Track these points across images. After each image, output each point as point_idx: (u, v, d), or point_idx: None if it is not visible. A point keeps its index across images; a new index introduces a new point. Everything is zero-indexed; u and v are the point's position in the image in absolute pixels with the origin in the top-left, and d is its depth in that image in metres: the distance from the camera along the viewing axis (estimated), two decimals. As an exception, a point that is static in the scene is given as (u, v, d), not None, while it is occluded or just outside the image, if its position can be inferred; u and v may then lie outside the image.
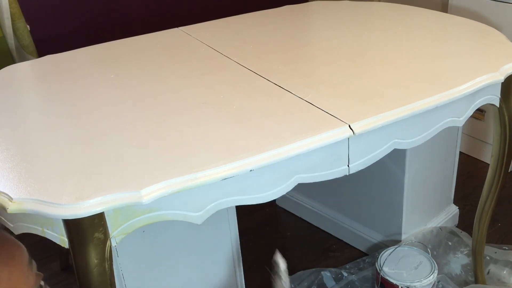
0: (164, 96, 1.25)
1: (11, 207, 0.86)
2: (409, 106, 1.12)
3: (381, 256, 1.67)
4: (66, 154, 1.02)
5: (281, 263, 0.95)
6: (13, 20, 1.92)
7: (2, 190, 0.89)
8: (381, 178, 1.82)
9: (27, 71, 1.56)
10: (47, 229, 0.91)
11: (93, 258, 0.90)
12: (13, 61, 1.96)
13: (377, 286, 1.66)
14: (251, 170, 0.96)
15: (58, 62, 1.54)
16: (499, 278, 1.78)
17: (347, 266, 1.83)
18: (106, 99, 1.26)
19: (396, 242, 1.86)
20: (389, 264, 1.64)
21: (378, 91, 1.20)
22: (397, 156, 1.71)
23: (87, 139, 1.07)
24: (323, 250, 2.03)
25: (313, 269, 1.81)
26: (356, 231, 2.00)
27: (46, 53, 1.59)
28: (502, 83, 1.31)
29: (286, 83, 1.26)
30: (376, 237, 1.95)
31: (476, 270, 1.72)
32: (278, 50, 1.51)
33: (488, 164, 1.55)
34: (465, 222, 2.06)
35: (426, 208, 1.94)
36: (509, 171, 1.54)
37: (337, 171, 1.09)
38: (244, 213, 2.10)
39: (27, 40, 1.98)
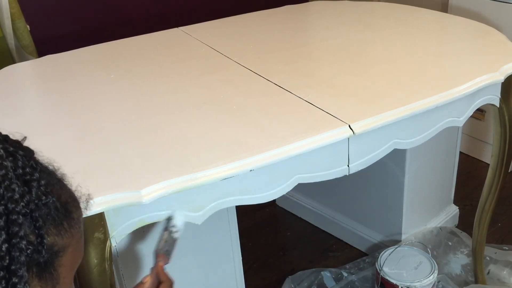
0: (164, 96, 1.25)
1: (11, 207, 0.86)
2: (409, 106, 1.12)
3: (381, 256, 1.66)
4: (66, 154, 1.02)
5: (179, 220, 0.95)
6: (13, 20, 1.92)
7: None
8: (381, 178, 1.82)
9: (27, 71, 1.56)
10: (47, 229, 0.91)
11: (93, 258, 0.90)
12: (13, 61, 1.95)
13: (377, 286, 1.66)
14: (251, 170, 0.96)
15: (58, 62, 1.54)
16: (499, 278, 1.78)
17: (347, 266, 1.83)
18: (106, 99, 1.26)
19: (396, 242, 1.86)
20: (389, 264, 1.63)
21: (378, 91, 1.20)
22: (397, 156, 1.71)
23: (87, 139, 1.07)
24: (323, 250, 2.03)
25: (313, 269, 1.81)
26: (356, 231, 2.00)
27: (46, 53, 1.59)
28: (502, 83, 1.30)
29: (286, 83, 1.26)
30: (376, 237, 1.95)
31: (476, 270, 1.72)
32: (278, 50, 1.51)
33: (488, 164, 1.55)
34: (465, 222, 2.06)
35: (426, 208, 1.94)
36: (509, 171, 1.54)
37: (337, 171, 1.09)
38: (244, 213, 2.09)
39: (27, 40, 1.98)
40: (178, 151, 1.00)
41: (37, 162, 0.56)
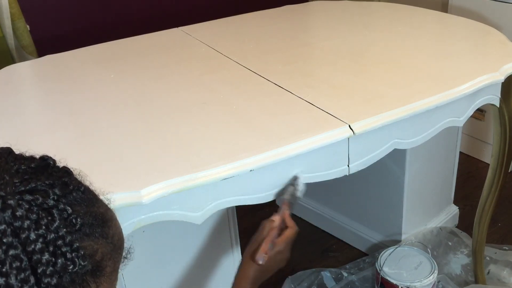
0: (164, 96, 1.25)
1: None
2: (409, 106, 1.12)
3: (381, 256, 1.66)
4: (65, 154, 1.01)
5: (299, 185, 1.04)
6: (13, 20, 1.92)
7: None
8: (381, 178, 1.82)
9: (27, 71, 1.56)
10: (47, 229, 0.91)
11: (93, 258, 0.89)
12: (13, 61, 1.95)
13: (377, 286, 1.66)
14: (251, 170, 0.96)
15: (58, 62, 1.54)
16: (499, 278, 1.78)
17: (347, 266, 1.83)
18: (106, 99, 1.26)
19: (396, 242, 1.86)
20: (389, 264, 1.63)
21: (378, 91, 1.20)
22: (397, 156, 1.71)
23: (87, 139, 1.07)
24: (323, 250, 2.03)
25: (313, 269, 1.81)
26: (356, 231, 2.00)
27: (46, 53, 1.59)
28: (502, 83, 1.30)
29: (286, 83, 1.26)
30: (376, 237, 1.95)
31: (476, 270, 1.72)
32: (278, 50, 1.51)
33: (488, 164, 1.55)
34: (465, 222, 2.06)
35: (426, 208, 1.94)
36: (509, 171, 1.54)
37: (337, 171, 1.09)
38: (244, 213, 2.09)
39: (27, 40, 1.98)
40: (178, 151, 1.00)
41: (79, 214, 0.54)
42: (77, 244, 0.52)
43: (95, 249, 0.55)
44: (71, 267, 0.51)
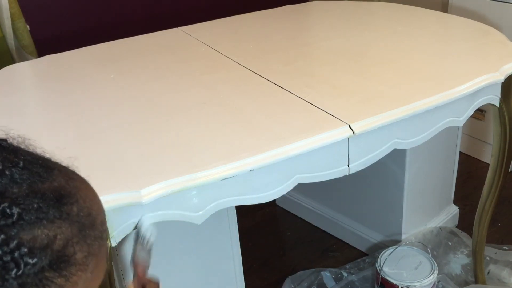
0: (164, 96, 1.25)
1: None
2: (409, 106, 1.12)
3: (381, 256, 1.66)
4: (65, 154, 1.01)
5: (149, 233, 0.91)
6: (13, 20, 1.92)
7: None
8: (381, 178, 1.82)
9: (27, 71, 1.56)
10: (47, 229, 0.91)
11: (93, 258, 0.89)
12: (13, 61, 1.95)
13: (377, 286, 1.66)
14: (251, 170, 0.96)
15: (58, 62, 1.54)
16: (499, 278, 1.78)
17: (347, 266, 1.83)
18: (106, 99, 1.26)
19: (396, 242, 1.86)
20: (389, 264, 1.63)
21: (378, 91, 1.20)
22: (397, 156, 1.71)
23: (87, 139, 1.08)
24: (323, 250, 2.03)
25: (313, 269, 1.81)
26: (356, 231, 2.00)
27: (46, 53, 1.59)
28: (502, 83, 1.30)
29: (286, 83, 1.26)
30: (376, 237, 1.95)
31: (476, 270, 1.72)
32: (278, 50, 1.51)
33: (488, 164, 1.55)
34: (465, 222, 2.06)
35: (426, 208, 1.94)
36: (509, 171, 1.54)
37: (337, 171, 1.09)
38: (244, 213, 2.09)
39: (27, 40, 1.98)
40: (178, 151, 1.00)
41: (14, 200, 0.43)
42: (16, 241, 0.42)
43: (50, 237, 0.44)
44: (14, 271, 0.42)
